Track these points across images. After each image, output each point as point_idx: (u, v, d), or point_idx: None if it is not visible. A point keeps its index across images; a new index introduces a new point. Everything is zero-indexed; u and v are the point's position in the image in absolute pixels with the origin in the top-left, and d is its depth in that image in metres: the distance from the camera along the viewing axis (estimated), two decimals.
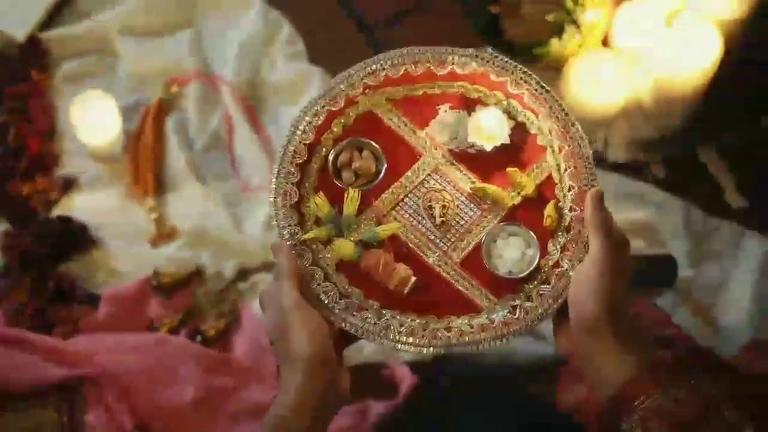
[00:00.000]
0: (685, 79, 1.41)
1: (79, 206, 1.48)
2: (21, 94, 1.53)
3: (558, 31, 1.42)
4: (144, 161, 1.52)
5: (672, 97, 1.45)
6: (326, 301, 0.85)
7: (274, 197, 0.88)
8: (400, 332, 0.85)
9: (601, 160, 1.48)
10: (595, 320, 0.80)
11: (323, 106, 0.91)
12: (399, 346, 0.85)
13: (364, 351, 1.39)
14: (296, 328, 0.80)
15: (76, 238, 1.44)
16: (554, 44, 1.41)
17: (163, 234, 1.48)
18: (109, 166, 1.52)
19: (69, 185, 1.49)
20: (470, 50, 0.93)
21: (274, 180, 0.89)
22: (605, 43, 1.47)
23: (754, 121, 1.52)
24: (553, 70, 1.47)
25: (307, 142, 0.90)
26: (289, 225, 0.88)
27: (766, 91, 1.49)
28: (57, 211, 1.47)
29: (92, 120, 1.46)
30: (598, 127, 1.48)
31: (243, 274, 1.48)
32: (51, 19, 1.60)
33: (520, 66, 0.92)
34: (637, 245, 1.44)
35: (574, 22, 1.41)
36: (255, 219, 1.52)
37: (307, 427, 0.79)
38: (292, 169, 0.89)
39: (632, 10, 1.45)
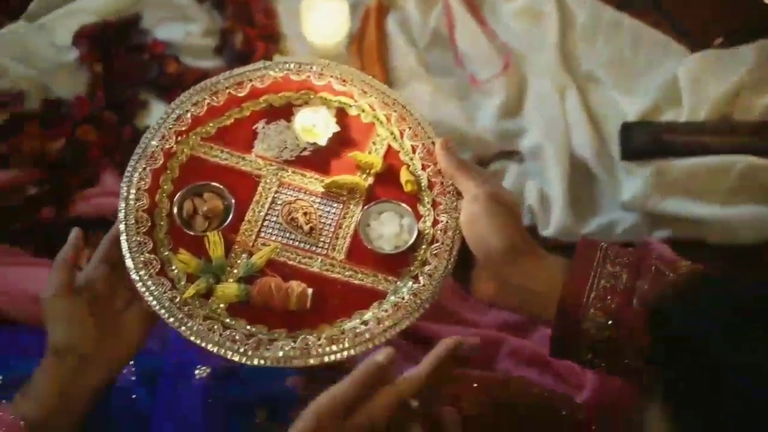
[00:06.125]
0: None
1: None
2: None
3: None
4: (369, 60, 1.51)
5: None
6: (237, 347, 0.81)
7: (136, 272, 0.83)
8: (320, 345, 0.81)
9: None
10: (507, 251, 0.78)
11: (144, 168, 0.87)
12: (326, 358, 0.81)
13: None
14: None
15: None
16: None
17: None
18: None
19: None
20: (262, 62, 0.93)
21: (128, 255, 0.84)
22: None
23: None
24: None
25: (144, 208, 0.86)
26: (164, 293, 0.83)
27: None
28: None
29: (320, 20, 1.45)
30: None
31: (479, 163, 1.46)
32: None
33: (314, 59, 0.93)
34: None
35: None
36: (486, 110, 1.50)
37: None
38: (140, 239, 0.85)
39: None
